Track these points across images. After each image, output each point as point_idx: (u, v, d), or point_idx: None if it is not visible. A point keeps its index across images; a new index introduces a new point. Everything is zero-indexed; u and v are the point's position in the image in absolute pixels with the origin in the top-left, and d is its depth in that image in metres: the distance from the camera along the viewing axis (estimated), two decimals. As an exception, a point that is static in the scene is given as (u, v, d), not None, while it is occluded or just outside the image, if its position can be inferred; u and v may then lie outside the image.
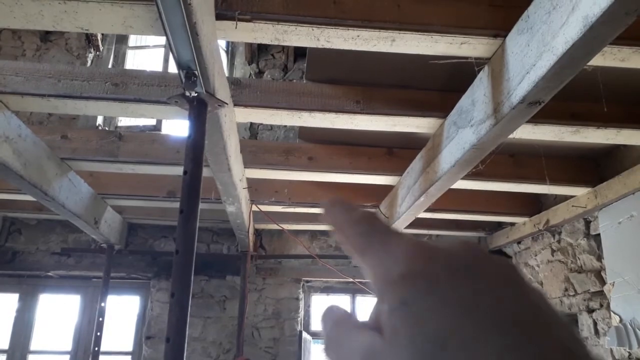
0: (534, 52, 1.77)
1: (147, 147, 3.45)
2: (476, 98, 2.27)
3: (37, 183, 3.01)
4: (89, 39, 5.76)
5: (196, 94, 1.76)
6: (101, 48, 5.85)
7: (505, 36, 2.01)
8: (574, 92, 2.71)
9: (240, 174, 3.27)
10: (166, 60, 5.85)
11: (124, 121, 5.72)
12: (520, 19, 1.88)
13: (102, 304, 4.45)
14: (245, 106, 2.63)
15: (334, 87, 2.78)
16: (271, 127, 5.72)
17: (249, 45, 5.81)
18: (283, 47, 6.02)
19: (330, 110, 2.70)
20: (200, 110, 1.84)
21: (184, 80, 1.70)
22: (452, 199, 4.43)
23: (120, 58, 5.99)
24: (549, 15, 1.67)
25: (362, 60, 2.66)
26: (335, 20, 1.98)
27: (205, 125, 1.85)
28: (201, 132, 1.82)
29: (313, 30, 1.99)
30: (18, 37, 5.74)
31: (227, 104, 1.93)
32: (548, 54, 1.67)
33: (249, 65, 5.94)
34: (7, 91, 2.55)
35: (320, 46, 2.10)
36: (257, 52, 5.96)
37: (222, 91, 2.08)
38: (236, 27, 1.92)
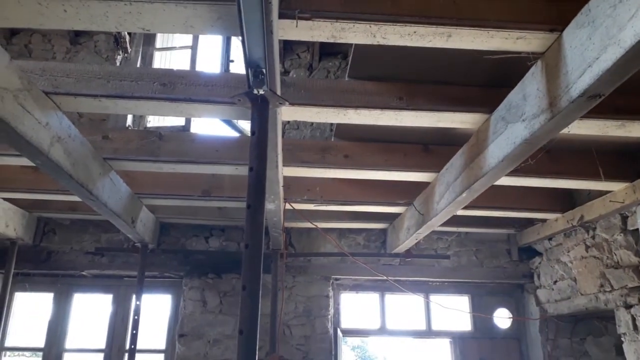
0: (597, 46, 1.77)
1: (188, 146, 3.50)
2: (528, 93, 2.28)
3: (84, 183, 3.06)
4: (118, 41, 5.84)
5: (262, 92, 1.78)
6: (129, 50, 5.92)
7: (561, 30, 2.02)
8: (619, 86, 2.71)
9: (281, 172, 3.30)
10: (193, 62, 5.91)
11: (152, 122, 5.79)
12: (580, 13, 1.88)
13: (138, 303, 4.51)
14: (292, 104, 2.66)
15: (376, 84, 2.81)
16: (298, 127, 5.75)
17: (275, 45, 5.85)
18: (308, 46, 6.05)
19: (375, 107, 2.72)
20: (263, 108, 1.87)
21: (251, 78, 1.73)
22: (483, 196, 4.40)
23: (147, 59, 6.06)
24: (614, 9, 1.68)
25: (405, 57, 2.68)
26: (392, 16, 2.00)
27: (267, 123, 1.88)
28: (265, 129, 1.85)
29: (370, 27, 2.02)
30: (48, 40, 5.84)
31: (287, 101, 1.96)
32: (614, 47, 1.68)
33: (275, 65, 5.98)
34: (61, 92, 2.61)
35: (376, 43, 2.12)
36: (283, 51, 5.99)
37: (279, 90, 2.11)
38: (297, 26, 1.95)
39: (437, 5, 2.00)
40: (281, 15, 1.94)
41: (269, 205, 3.45)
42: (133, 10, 1.92)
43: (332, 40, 2.11)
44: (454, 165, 3.27)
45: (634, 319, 3.73)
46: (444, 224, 5.07)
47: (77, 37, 5.84)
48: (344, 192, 4.41)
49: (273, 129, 2.22)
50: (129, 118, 5.60)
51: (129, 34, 5.94)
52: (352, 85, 2.81)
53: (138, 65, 5.96)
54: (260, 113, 1.87)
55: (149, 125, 5.74)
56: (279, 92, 1.98)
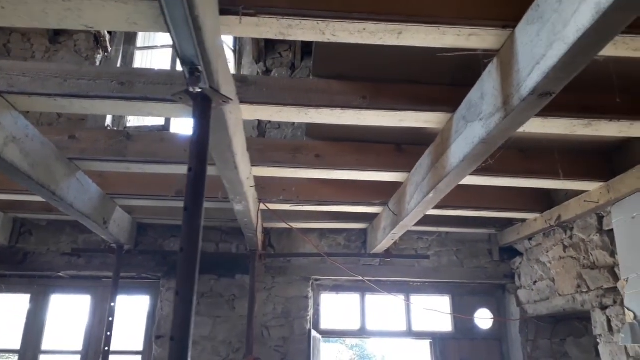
0: (544, 42, 1.73)
1: (156, 146, 3.45)
2: (485, 91, 2.23)
3: (45, 183, 3.01)
4: (98, 40, 5.79)
5: (200, 90, 1.74)
6: (109, 49, 5.86)
7: (514, 27, 1.97)
8: (585, 84, 2.66)
9: (248, 172, 3.25)
10: (174, 61, 5.86)
11: (133, 121, 5.74)
12: (530, 8, 1.84)
13: (112, 304, 4.46)
14: (252, 103, 2.61)
15: (341, 83, 2.76)
16: (279, 126, 5.70)
17: (256, 44, 5.80)
18: (290, 45, 5.99)
19: (336, 106, 2.67)
20: (204, 107, 1.82)
21: (187, 76, 1.68)
22: (462, 196, 4.39)
23: (128, 59, 6.01)
24: (560, 3, 1.63)
25: (370, 55, 2.64)
26: (340, 13, 1.95)
27: (209, 122, 1.83)
28: (206, 129, 1.80)
29: (318, 24, 1.97)
30: (27, 40, 5.78)
31: (231, 99, 1.91)
32: (559, 43, 1.63)
33: (257, 64, 5.93)
34: (15, 91, 2.56)
35: (326, 40, 2.08)
36: (265, 50, 5.93)
37: (227, 87, 2.07)
38: (240, 22, 1.91)
39: (386, 1, 1.95)
40: (224, 12, 1.89)
41: (236, 206, 3.40)
42: (72, 7, 1.87)
43: (280, 38, 2.06)
44: (422, 165, 3.23)
45: (609, 321, 3.68)
46: (424, 224, 5.04)
47: (56, 36, 5.78)
48: (320, 193, 4.36)
49: (222, 129, 2.17)
50: (109, 118, 5.54)
51: (110, 33, 5.89)
52: (316, 84, 2.76)
53: (119, 65, 5.91)
54: (202, 111, 1.82)
55: (128, 125, 5.69)
56: (224, 90, 1.92)
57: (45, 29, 5.69)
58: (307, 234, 5.32)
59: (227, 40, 6.01)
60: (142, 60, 6.16)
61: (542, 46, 1.74)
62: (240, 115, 2.63)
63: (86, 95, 2.57)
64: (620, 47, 2.06)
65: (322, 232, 5.39)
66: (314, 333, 4.62)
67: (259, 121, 5.59)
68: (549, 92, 1.84)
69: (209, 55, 1.66)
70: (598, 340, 3.80)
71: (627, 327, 3.33)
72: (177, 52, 1.60)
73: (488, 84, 2.20)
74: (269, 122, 5.64)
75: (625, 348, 3.46)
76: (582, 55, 1.63)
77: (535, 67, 1.78)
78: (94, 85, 2.64)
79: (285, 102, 2.66)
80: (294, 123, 5.71)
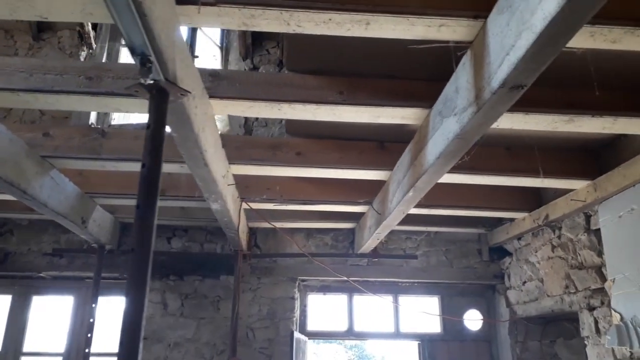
0: (513, 32, 1.65)
1: (131, 143, 3.36)
2: (459, 85, 2.15)
3: (15, 181, 2.93)
4: (82, 37, 5.71)
5: (152, 82, 1.65)
6: (94, 46, 5.78)
7: (486, 17, 1.89)
8: (567, 79, 2.59)
9: (224, 169, 3.17)
10: (159, 58, 5.77)
11: (118, 119, 5.65)
12: (501, -3, 1.76)
13: (93, 305, 4.38)
14: (222, 98, 2.53)
15: (317, 77, 2.67)
16: (266, 124, 5.61)
17: (243, 41, 5.71)
18: (278, 42, 5.91)
19: (311, 102, 2.59)
20: (160, 100, 1.74)
21: (139, 66, 1.60)
22: (450, 194, 4.31)
23: (113, 55, 5.92)
24: (528, -10, 1.55)
25: (348, 49, 2.55)
26: (305, 2, 1.87)
27: (165, 116, 1.75)
28: (161, 123, 1.72)
29: (282, 14, 1.89)
30: (11, 36, 5.70)
31: (189, 92, 1.83)
32: (527, 33, 1.55)
33: (244, 61, 5.84)
34: (-24, 86, 2.47)
35: (291, 31, 1.99)
36: (252, 47, 5.85)
37: (189, 80, 1.98)
38: (199, 12, 1.82)
39: (352, -10, 1.87)
40: (182, 1, 1.81)
41: (213, 205, 3.31)
42: (24, -4, 1.79)
43: (244, 29, 1.98)
44: (403, 163, 3.15)
45: (596, 322, 3.60)
46: (413, 223, 4.96)
47: (40, 32, 5.70)
48: (305, 192, 4.28)
49: (186, 124, 2.09)
50: (93, 115, 5.46)
51: (94, 29, 5.81)
52: (291, 79, 2.68)
53: (103, 61, 5.82)
54: (158, 105, 1.73)
55: (113, 122, 5.60)
56: (185, 83, 1.84)
57: (29, 25, 5.61)
58: (294, 234, 5.24)
59: (214, 37, 5.93)
60: (127, 57, 6.07)
61: (511, 36, 1.66)
62: (210, 111, 2.55)
63: (50, 90, 2.49)
64: (598, 39, 1.98)
65: (309, 232, 5.31)
66: (297, 335, 4.54)
67: (246, 119, 5.50)
68: (520, 85, 1.75)
69: (160, 44, 1.57)
70: (586, 342, 3.72)
71: (613, 329, 3.25)
72: (126, 41, 1.52)
73: (462, 77, 2.12)
74: (256, 119, 5.56)
75: (613, 350, 3.37)
76: (551, 45, 1.54)
77: (505, 58, 1.70)
78: (60, 80, 2.56)
79: (258, 97, 2.57)
80: (281, 121, 5.61)
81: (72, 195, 3.79)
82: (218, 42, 6.01)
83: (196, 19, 1.89)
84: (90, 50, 5.79)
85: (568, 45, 2.03)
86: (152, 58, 1.58)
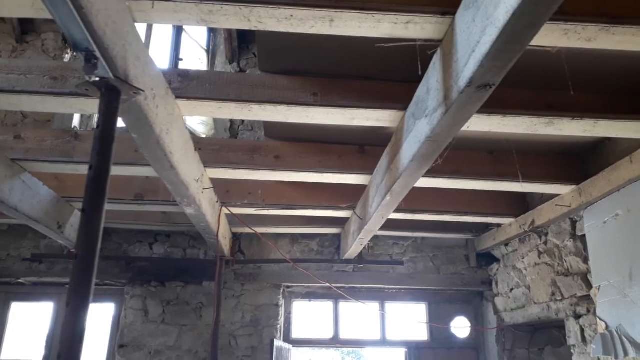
0: (479, 28, 1.57)
1: (104, 146, 3.27)
2: (430, 85, 2.07)
3: (-20, 185, 2.85)
4: (66, 40, 5.63)
5: (98, 79, 1.57)
6: (78, 48, 5.70)
7: (455, 14, 1.81)
8: (545, 81, 2.52)
9: (197, 173, 3.08)
10: (144, 60, 5.70)
11: (101, 123, 5.56)
12: (467, -8, 1.68)
13: (70, 312, 4.27)
14: (189, 99, 2.45)
15: (289, 78, 2.59)
16: (252, 128, 5.53)
17: (229, 44, 5.64)
18: (265, 45, 5.83)
19: (282, 103, 2.51)
20: (111, 99, 1.66)
21: (84, 62, 1.52)
22: (434, 200, 4.23)
23: (98, 59, 5.84)
24: (492, -16, 1.47)
25: (323, 50, 2.48)
26: (265, -2, 1.80)
27: (116, 116, 1.67)
28: (111, 123, 1.64)
29: (241, 9, 1.81)
30: (-7, 39, 5.62)
31: (142, 91, 1.75)
32: (491, 28, 1.48)
33: (230, 64, 5.77)
34: None
35: (253, 28, 1.92)
36: (238, 50, 5.79)
37: (147, 79, 1.90)
38: (153, 7, 1.75)
39: (314, -15, 1.79)
40: (135, -5, 1.74)
41: (187, 210, 3.23)
42: (-32, -11, 1.71)
43: (203, 25, 1.90)
44: (381, 166, 3.07)
45: (582, 330, 3.51)
46: (399, 229, 4.88)
47: (23, 35, 5.62)
48: (287, 196, 4.19)
49: (144, 125, 2.01)
50: (76, 118, 5.38)
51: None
52: (262, 80, 2.60)
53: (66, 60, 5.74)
54: (108, 104, 1.66)
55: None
56: (140, 82, 1.76)
57: (12, 27, 5.54)
58: (279, 239, 5.15)
59: (201, 41, 5.87)
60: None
61: (477, 32, 1.58)
62: (177, 111, 2.46)
63: (12, 90, 2.41)
64: (572, 37, 1.90)
65: (294, 237, 5.22)
66: (279, 343, 4.43)
67: (232, 122, 5.43)
68: (487, 84, 1.67)
69: (105, 40, 1.49)
70: (572, 351, 3.62)
71: (598, 337, 3.16)
72: (66, 36, 1.44)
73: (432, 77, 2.05)
74: (242, 122, 5.48)
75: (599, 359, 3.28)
76: (515, 42, 1.47)
77: (471, 55, 1.62)
78: (24, 80, 2.47)
79: (227, 97, 2.49)
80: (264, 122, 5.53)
81: (47, 200, 3.70)
82: (204, 45, 5.94)
83: (152, 15, 1.81)
84: (74, 54, 5.71)
85: (542, 44, 1.98)
86: (97, 54, 1.50)
